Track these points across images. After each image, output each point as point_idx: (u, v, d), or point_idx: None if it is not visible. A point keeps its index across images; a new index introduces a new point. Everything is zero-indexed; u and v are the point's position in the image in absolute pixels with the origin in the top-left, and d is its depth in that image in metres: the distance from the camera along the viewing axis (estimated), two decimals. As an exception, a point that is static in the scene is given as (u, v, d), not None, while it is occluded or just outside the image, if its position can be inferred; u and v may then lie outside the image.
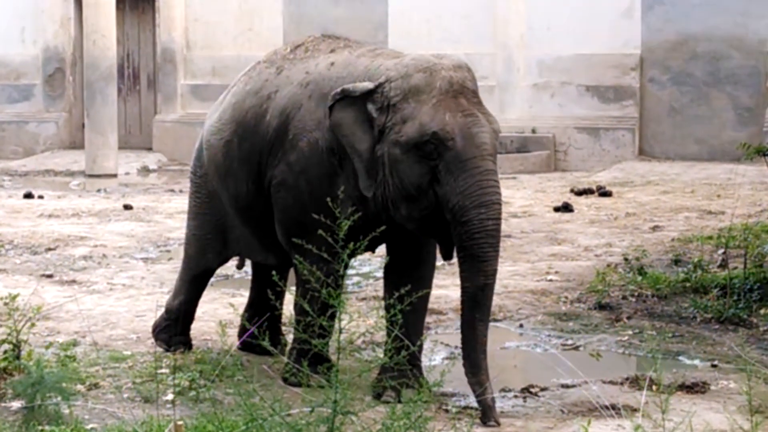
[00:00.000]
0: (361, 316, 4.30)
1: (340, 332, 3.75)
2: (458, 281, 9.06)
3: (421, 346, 6.10)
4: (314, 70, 6.21)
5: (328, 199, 5.50)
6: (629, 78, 17.50)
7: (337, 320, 3.77)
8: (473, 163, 5.68)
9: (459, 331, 7.59)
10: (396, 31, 18.19)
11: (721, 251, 9.41)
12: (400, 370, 5.60)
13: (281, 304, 5.97)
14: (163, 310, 7.08)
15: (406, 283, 5.13)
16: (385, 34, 18.21)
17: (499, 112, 17.70)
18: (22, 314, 6.25)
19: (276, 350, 5.63)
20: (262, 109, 6.34)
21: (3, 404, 5.82)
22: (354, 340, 4.41)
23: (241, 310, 7.06)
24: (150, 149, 19.55)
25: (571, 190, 14.40)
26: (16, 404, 5.74)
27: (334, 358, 4.24)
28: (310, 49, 6.43)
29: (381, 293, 6.80)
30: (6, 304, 6.27)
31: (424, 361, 6.40)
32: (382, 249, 6.33)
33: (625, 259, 9.34)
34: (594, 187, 14.43)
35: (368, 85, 5.87)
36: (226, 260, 7.08)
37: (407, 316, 5.15)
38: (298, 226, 6.06)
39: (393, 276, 6.12)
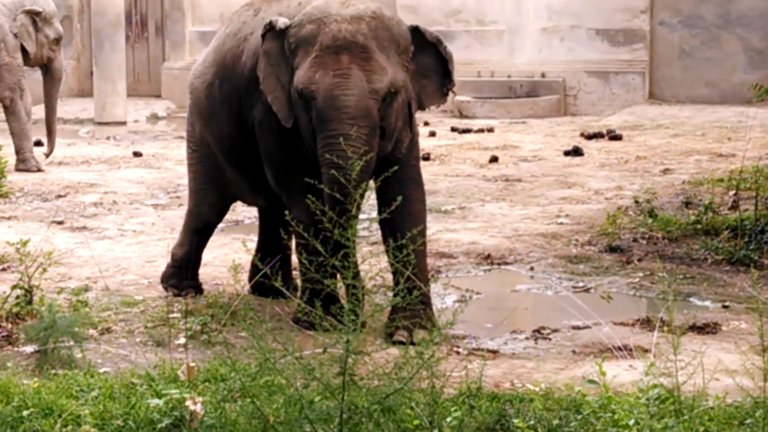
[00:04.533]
0: (373, 257, 4.31)
1: (351, 271, 3.74)
2: (468, 225, 9.12)
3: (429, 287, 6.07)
4: (286, 11, 6.20)
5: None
6: (639, 21, 17.36)
7: (350, 263, 3.75)
8: (329, 125, 5.70)
9: (470, 274, 7.66)
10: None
11: (732, 193, 9.39)
12: (413, 310, 5.60)
13: (292, 244, 5.96)
14: (169, 258, 7.11)
15: (399, 221, 4.96)
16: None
17: (509, 56, 17.66)
18: (33, 260, 6.27)
19: (287, 291, 5.65)
20: (239, 50, 6.38)
21: (16, 348, 5.84)
22: (365, 285, 4.40)
23: (252, 252, 7.07)
24: (159, 96, 19.51)
25: (581, 134, 14.35)
26: (29, 348, 5.77)
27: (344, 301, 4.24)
28: None
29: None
30: (17, 249, 6.29)
31: (435, 304, 6.39)
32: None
33: (636, 202, 9.31)
34: (604, 131, 14.38)
35: (284, 23, 5.95)
36: (224, 210, 7.08)
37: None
38: (280, 165, 6.09)
39: (385, 216, 6.05)
